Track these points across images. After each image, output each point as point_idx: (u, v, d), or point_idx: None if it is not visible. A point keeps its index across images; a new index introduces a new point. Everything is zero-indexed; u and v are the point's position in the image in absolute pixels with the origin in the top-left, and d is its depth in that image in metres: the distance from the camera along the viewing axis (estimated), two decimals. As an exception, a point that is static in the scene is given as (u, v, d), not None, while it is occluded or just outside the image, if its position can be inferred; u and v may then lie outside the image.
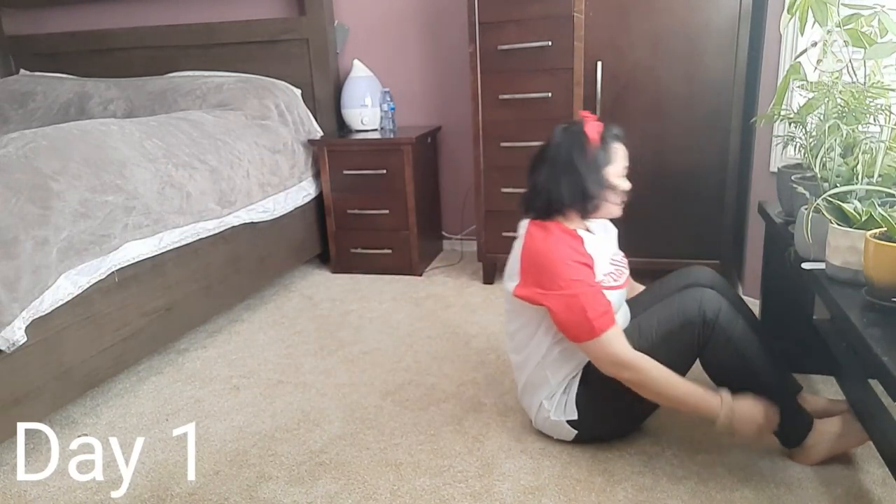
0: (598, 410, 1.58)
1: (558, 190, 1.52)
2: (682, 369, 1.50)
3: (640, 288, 1.84)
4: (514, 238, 1.63)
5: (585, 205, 1.54)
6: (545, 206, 1.55)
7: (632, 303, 1.72)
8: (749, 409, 1.43)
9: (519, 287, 1.54)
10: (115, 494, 1.56)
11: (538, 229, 1.54)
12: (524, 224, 1.59)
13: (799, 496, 1.43)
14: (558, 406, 1.60)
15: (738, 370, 1.49)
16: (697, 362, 1.53)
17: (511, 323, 1.66)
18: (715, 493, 1.45)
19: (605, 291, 1.50)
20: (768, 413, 1.44)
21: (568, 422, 1.59)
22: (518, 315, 1.62)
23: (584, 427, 1.59)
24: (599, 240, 1.62)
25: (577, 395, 1.58)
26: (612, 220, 1.75)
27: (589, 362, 1.56)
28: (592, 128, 1.54)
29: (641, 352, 1.46)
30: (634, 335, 1.50)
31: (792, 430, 1.51)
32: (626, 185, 1.59)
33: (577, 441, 1.63)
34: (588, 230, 1.62)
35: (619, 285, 1.58)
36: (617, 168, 1.56)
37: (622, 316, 1.62)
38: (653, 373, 1.43)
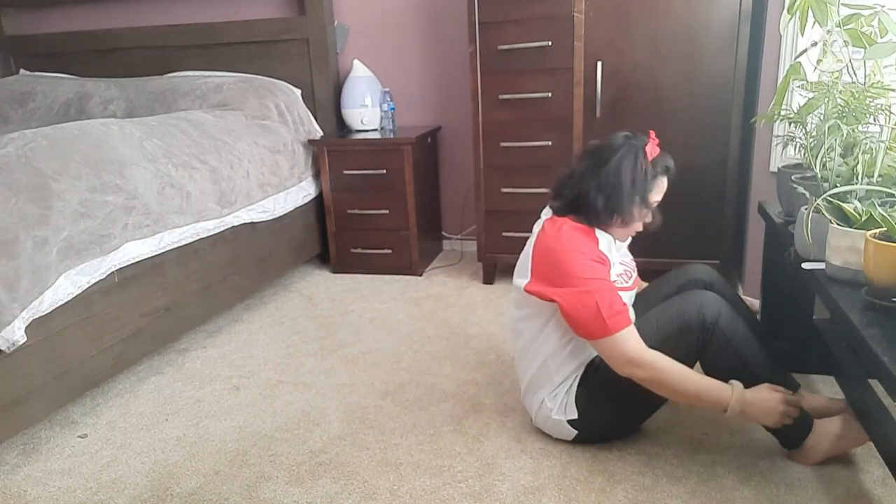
0: (598, 410, 1.58)
1: (594, 192, 1.50)
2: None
3: (644, 285, 1.83)
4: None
5: (611, 218, 1.52)
6: (572, 201, 1.53)
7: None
8: (763, 399, 1.42)
9: (530, 283, 1.54)
10: (114, 494, 1.57)
11: (553, 225, 1.53)
12: (540, 221, 1.59)
13: (799, 496, 1.43)
14: (560, 405, 1.60)
15: (738, 371, 1.48)
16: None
17: (519, 319, 1.65)
18: (715, 493, 1.45)
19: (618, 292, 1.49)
20: (787, 400, 1.43)
21: (568, 421, 1.59)
22: (527, 311, 1.61)
23: (585, 427, 1.59)
24: (614, 241, 1.62)
25: (577, 395, 1.58)
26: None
27: (591, 362, 1.56)
28: (652, 149, 1.52)
29: None
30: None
31: (792, 430, 1.51)
32: (648, 217, 1.58)
33: (577, 441, 1.63)
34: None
35: (629, 287, 1.58)
36: (653, 198, 1.54)
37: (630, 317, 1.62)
38: (667, 370, 1.43)
